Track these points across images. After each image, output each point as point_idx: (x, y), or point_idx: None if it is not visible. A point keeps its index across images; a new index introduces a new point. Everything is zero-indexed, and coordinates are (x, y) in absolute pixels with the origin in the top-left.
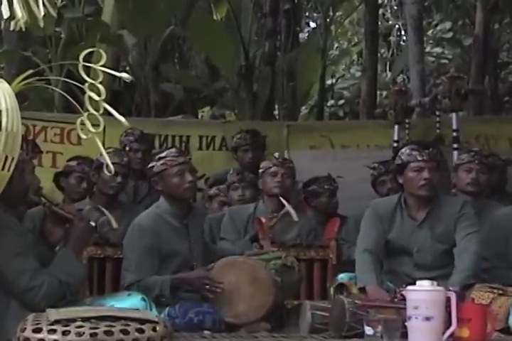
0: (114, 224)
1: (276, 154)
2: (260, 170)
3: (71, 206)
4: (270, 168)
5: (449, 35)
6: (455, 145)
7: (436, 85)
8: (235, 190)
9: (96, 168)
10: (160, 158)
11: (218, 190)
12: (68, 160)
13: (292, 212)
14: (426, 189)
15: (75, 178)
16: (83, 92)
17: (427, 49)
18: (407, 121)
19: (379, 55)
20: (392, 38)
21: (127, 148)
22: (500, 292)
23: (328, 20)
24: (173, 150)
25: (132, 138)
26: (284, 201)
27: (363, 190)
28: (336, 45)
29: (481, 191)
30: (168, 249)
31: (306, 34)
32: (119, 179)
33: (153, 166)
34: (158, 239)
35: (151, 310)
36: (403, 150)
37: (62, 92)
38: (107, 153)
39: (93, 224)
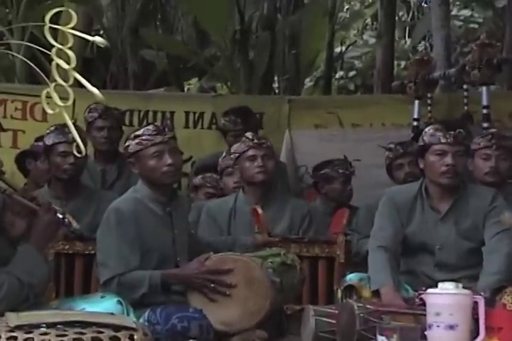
0: (74, 224)
1: (249, 134)
2: (233, 155)
3: (36, 194)
4: (246, 151)
5: None
6: (485, 125)
7: (464, 54)
8: (230, 176)
9: (45, 151)
10: (135, 137)
11: (203, 179)
12: (36, 140)
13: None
14: (448, 176)
15: (46, 162)
16: (49, 59)
17: (454, 11)
18: (429, 95)
19: (397, 18)
20: None
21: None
22: None
23: None
24: (151, 127)
25: (96, 115)
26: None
27: (377, 177)
28: (346, 6)
29: (503, 181)
30: (150, 240)
31: None
32: (70, 159)
33: (128, 146)
34: (139, 228)
35: (128, 315)
36: (427, 129)
37: (24, 59)
38: (48, 133)
39: (60, 216)
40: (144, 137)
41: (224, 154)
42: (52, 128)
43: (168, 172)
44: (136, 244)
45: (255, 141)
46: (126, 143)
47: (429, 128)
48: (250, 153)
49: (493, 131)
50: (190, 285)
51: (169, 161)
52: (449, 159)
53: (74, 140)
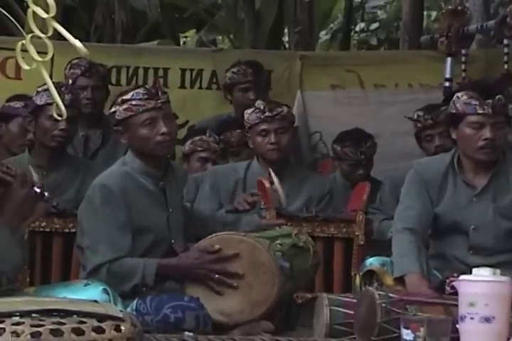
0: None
1: (260, 104)
2: (246, 123)
3: (10, 163)
4: (257, 124)
5: None
6: None
7: (505, 4)
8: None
9: (33, 112)
10: (123, 101)
11: (193, 143)
12: (8, 100)
13: (281, 192)
14: (485, 152)
15: (20, 125)
16: (25, 7)
17: None
18: (463, 52)
19: None
20: None
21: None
22: None
23: None
24: (141, 90)
25: (78, 72)
26: (273, 176)
27: (403, 146)
28: None
29: None
30: (141, 220)
31: None
32: (62, 125)
33: (114, 111)
34: (129, 207)
35: (115, 305)
36: (459, 95)
37: None
38: (40, 92)
39: (38, 190)
40: (133, 102)
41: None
42: (45, 87)
43: (163, 142)
44: (128, 225)
45: (267, 113)
46: (113, 109)
47: (462, 93)
48: (262, 127)
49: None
50: (191, 278)
51: (163, 130)
52: (487, 132)
53: (66, 102)
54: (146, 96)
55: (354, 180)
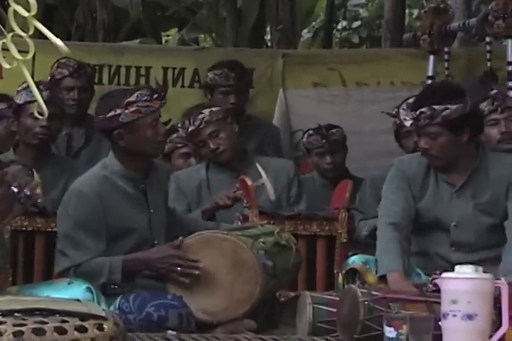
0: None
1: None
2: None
3: None
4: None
5: None
6: (511, 84)
7: (486, 2)
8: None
9: (15, 112)
10: (129, 104)
11: (171, 142)
12: None
13: (269, 186)
14: (429, 160)
15: (6, 127)
16: (5, 6)
17: None
18: (446, 50)
19: None
20: None
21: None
22: None
23: None
24: (145, 91)
25: (66, 72)
26: (260, 169)
27: (385, 144)
28: None
29: None
30: (121, 224)
31: None
32: (43, 122)
33: (118, 114)
34: (106, 211)
35: (99, 304)
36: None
37: None
38: (20, 91)
39: (15, 189)
40: (140, 104)
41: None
42: (24, 85)
43: (163, 141)
44: (101, 230)
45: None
46: (114, 112)
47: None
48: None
49: (494, 91)
50: (155, 272)
51: (163, 129)
52: (421, 142)
53: (44, 99)
54: (151, 97)
55: (328, 175)
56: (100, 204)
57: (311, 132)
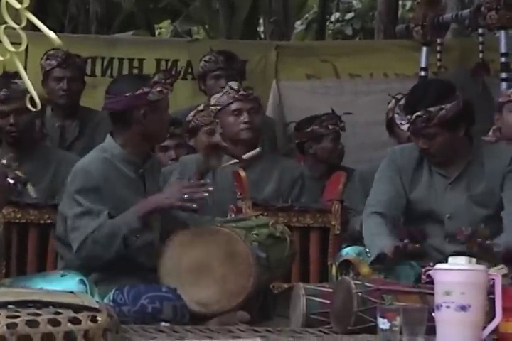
0: (33, 193)
1: (233, 84)
2: (214, 108)
3: None
4: (230, 104)
5: None
6: (503, 75)
7: None
8: (210, 135)
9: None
10: (155, 83)
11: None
12: None
13: None
14: (428, 159)
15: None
16: None
17: None
18: (439, 41)
19: None
20: None
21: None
22: None
23: None
24: (162, 74)
25: (54, 62)
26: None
27: (378, 136)
28: None
29: None
30: (119, 205)
31: None
32: (10, 119)
33: (147, 92)
34: (109, 192)
35: (92, 295)
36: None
37: None
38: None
39: (11, 181)
40: (162, 85)
41: (201, 107)
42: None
43: (168, 129)
44: (107, 200)
45: (241, 92)
46: (142, 90)
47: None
48: (235, 106)
49: None
50: (166, 207)
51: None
52: (420, 143)
53: (27, 92)
54: (168, 81)
55: (333, 160)
56: (104, 183)
57: (330, 126)
